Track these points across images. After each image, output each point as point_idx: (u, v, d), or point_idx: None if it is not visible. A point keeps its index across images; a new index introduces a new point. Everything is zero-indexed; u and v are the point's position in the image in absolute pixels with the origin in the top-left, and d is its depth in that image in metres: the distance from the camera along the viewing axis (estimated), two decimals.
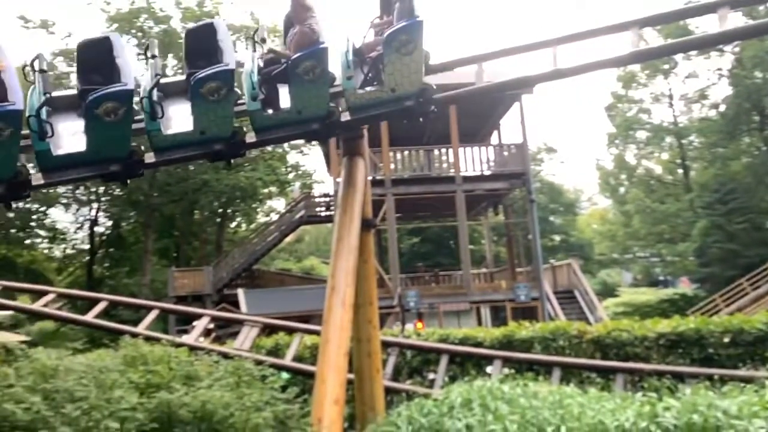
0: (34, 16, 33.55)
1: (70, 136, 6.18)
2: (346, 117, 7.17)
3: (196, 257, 32.01)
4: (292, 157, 33.90)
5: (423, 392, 9.16)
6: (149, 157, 6.52)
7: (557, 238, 44.61)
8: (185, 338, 10.70)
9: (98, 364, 6.78)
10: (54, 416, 5.25)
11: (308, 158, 42.84)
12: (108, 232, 33.39)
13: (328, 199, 28.17)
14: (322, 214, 28.55)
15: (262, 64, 6.73)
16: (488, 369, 10.06)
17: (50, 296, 11.88)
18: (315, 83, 6.61)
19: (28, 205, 29.33)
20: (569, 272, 23.83)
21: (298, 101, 6.70)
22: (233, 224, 36.22)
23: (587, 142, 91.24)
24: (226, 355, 9.01)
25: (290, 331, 11.59)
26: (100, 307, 11.42)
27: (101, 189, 30.22)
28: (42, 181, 6.20)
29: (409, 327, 13.67)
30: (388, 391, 9.18)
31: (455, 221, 22.12)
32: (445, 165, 22.94)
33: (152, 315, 11.40)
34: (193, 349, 8.89)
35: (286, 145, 31.65)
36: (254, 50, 6.95)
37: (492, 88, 9.68)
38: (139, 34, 29.63)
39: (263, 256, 28.02)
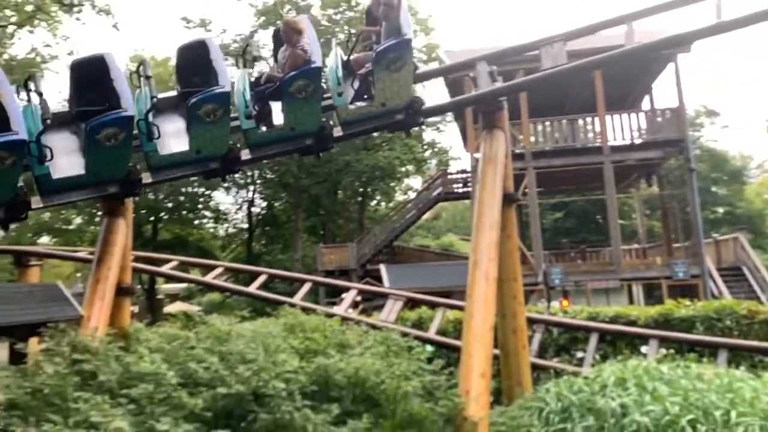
0: (195, 16, 36.84)
1: (68, 159, 6.29)
2: (338, 131, 7.35)
3: (340, 234, 33.60)
4: (429, 135, 34.10)
5: (572, 370, 8.90)
6: (146, 177, 6.73)
7: (720, 210, 40.37)
8: (335, 309, 11.37)
9: (263, 331, 7.44)
10: (229, 375, 5.88)
11: (444, 135, 42.76)
12: (263, 212, 36.16)
13: (465, 175, 28.01)
14: (459, 190, 28.47)
15: (252, 79, 6.96)
16: (643, 349, 9.52)
17: (219, 270, 13.24)
18: (307, 101, 6.76)
19: (194, 189, 32.65)
20: (736, 247, 21.53)
21: (291, 118, 6.86)
22: (374, 203, 37.40)
23: (755, 104, 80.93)
24: (373, 326, 9.45)
25: (433, 305, 11.82)
26: (261, 279, 12.51)
27: (256, 173, 32.74)
28: (41, 204, 6.31)
29: (555, 305, 13.28)
30: (534, 368, 9.06)
31: (602, 194, 20.93)
32: (590, 135, 21.70)
33: (306, 287, 12.25)
34: (344, 319, 9.40)
35: None
36: (245, 66, 7.11)
37: (644, 48, 8.98)
38: None
39: (402, 233, 28.67)
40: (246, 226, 36.17)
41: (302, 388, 5.91)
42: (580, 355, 10.28)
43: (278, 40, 7.35)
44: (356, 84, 7.30)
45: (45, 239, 34.56)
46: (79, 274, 34.54)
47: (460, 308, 10.72)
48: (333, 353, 6.78)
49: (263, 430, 5.51)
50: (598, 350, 9.90)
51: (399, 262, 26.15)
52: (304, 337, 7.41)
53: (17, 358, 7.31)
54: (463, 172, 28.43)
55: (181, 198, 32.73)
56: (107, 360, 6.51)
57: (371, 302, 15.78)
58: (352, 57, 7.37)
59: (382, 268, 22.61)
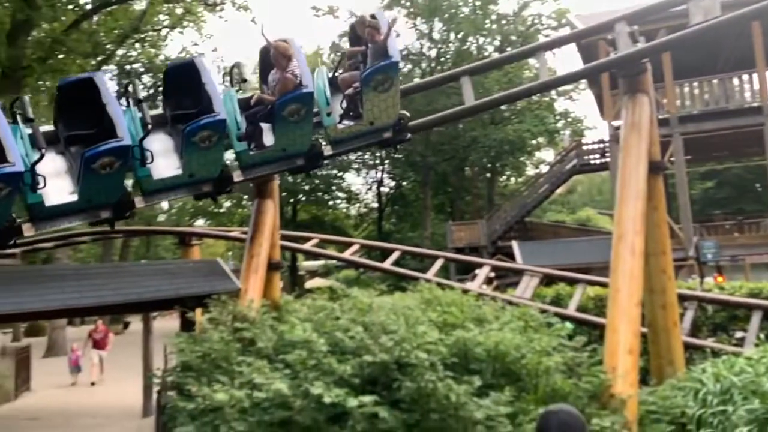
0: (323, 4, 38.14)
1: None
2: (327, 150, 7.50)
3: (469, 211, 33.40)
4: (561, 105, 32.61)
5: (731, 350, 8.20)
6: (138, 201, 6.71)
7: None
8: (469, 285, 11.39)
9: (401, 304, 7.70)
10: (373, 344, 6.16)
11: (578, 104, 40.63)
12: (392, 191, 36.94)
13: (602, 145, 26.47)
14: (596, 162, 26.99)
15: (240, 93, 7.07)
16: None
17: (355, 247, 13.79)
18: (299, 124, 6.87)
19: (327, 171, 34.12)
20: None
21: (282, 140, 6.98)
22: (503, 178, 36.66)
23: None
24: (509, 302, 9.36)
25: (572, 281, 11.43)
26: (394, 256, 12.84)
27: (383, 153, 33.46)
28: (33, 231, 6.30)
29: (708, 281, 12.23)
30: (687, 347, 8.47)
31: (763, 160, 18.75)
32: (747, 94, 19.47)
33: (438, 263, 12.39)
34: (479, 295, 9.41)
35: (553, 92, 30.55)
36: (232, 85, 7.13)
37: None
38: (407, 3, 31.44)
39: (534, 208, 27.84)
40: (376, 205, 37.18)
41: (443, 359, 6.03)
42: (739, 334, 9.42)
43: (265, 60, 7.40)
44: (343, 103, 7.39)
45: (200, 221, 38.12)
46: (230, 253, 37.81)
47: (602, 284, 10.28)
48: (471, 327, 6.83)
49: (407, 397, 5.72)
50: (761, 329, 9.00)
51: (532, 239, 25.47)
52: (441, 311, 7.54)
53: (187, 325, 8.22)
54: (601, 142, 26.87)
55: (317, 181, 34.37)
56: (263, 328, 7.12)
57: (503, 279, 15.59)
58: (339, 77, 7.54)
59: (515, 244, 22.19)
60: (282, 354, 6.44)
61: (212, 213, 37.56)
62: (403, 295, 8.87)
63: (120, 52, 29.76)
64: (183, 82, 6.88)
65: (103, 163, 5.92)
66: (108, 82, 6.69)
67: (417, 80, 28.99)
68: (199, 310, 8.24)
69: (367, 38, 7.28)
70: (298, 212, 35.37)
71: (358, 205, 38.85)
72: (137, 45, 30.74)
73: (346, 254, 13.49)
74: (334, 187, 36.23)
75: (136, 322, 33.40)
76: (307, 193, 34.98)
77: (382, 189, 36.64)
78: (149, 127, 6.19)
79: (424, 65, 32.37)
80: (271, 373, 5.92)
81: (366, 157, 34.20)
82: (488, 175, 34.08)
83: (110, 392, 14.56)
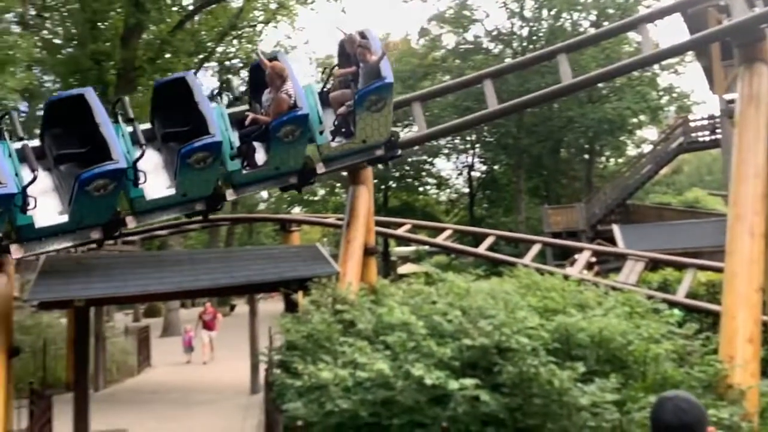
0: None
1: (53, 208, 6.31)
2: (320, 167, 7.47)
3: (565, 194, 32.27)
4: (664, 79, 30.58)
5: None
6: (130, 220, 6.60)
7: None
8: (569, 270, 11.07)
9: (498, 289, 7.63)
10: (472, 328, 6.18)
11: (683, 78, 37.93)
12: (483, 175, 36.41)
13: (712, 121, 24.60)
14: (705, 139, 25.13)
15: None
16: None
17: (448, 232, 13.80)
18: (293, 144, 6.86)
19: (416, 157, 34.17)
20: None
21: (276, 159, 6.95)
22: (602, 159, 35.05)
23: None
24: (613, 288, 9.01)
25: (680, 266, 10.80)
26: (489, 241, 12.71)
27: (474, 137, 33.00)
28: (21, 254, 6.27)
29: None
30: None
31: None
32: None
33: (535, 248, 12.13)
34: (580, 280, 9.12)
35: (656, 67, 28.70)
36: (219, 102, 7.23)
37: None
38: None
39: (637, 190, 26.41)
40: (467, 190, 36.82)
41: (544, 344, 5.94)
42: None
43: (256, 77, 7.36)
44: (335, 120, 7.50)
45: (297, 209, 39.55)
46: (325, 239, 38.96)
47: (715, 269, 9.64)
48: (574, 312, 6.66)
49: (508, 382, 5.69)
50: None
51: (634, 222, 24.20)
52: (541, 297, 7.40)
53: (291, 307, 8.61)
54: (710, 118, 24.98)
55: (407, 167, 34.53)
56: (362, 311, 7.32)
57: (605, 264, 14.98)
58: (330, 95, 7.57)
59: (616, 228, 21.19)
60: (381, 336, 6.59)
61: (307, 201, 38.83)
62: (499, 280, 8.77)
63: (219, 49, 31.28)
64: (173, 99, 6.81)
65: (98, 186, 5.94)
66: (98, 101, 6.51)
67: (508, 61, 28.31)
68: (300, 293, 8.60)
69: (358, 58, 7.35)
70: (388, 199, 35.76)
71: (448, 190, 38.66)
72: (235, 41, 32.17)
73: (439, 239, 13.52)
74: (424, 173, 36.25)
75: (241, 306, 35.36)
76: (397, 179, 35.25)
77: (473, 173, 36.21)
78: (144, 147, 6.14)
79: (515, 45, 31.48)
80: (373, 354, 6.09)
81: (456, 141, 33.91)
82: (586, 156, 32.70)
83: (220, 370, 15.56)
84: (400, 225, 14.57)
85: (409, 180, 35.99)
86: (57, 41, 24.05)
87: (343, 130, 7.55)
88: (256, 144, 7.14)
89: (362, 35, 7.77)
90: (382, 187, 34.87)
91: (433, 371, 5.66)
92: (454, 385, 5.46)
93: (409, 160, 34.12)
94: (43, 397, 7.76)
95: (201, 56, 28.08)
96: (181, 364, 17.27)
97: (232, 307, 35.31)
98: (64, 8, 23.72)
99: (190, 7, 25.29)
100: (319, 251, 9.61)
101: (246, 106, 7.60)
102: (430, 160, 35.53)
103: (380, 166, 31.21)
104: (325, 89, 7.86)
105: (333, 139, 7.44)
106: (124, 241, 13.49)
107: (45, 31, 23.96)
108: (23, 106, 19.81)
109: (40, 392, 7.97)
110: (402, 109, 13.27)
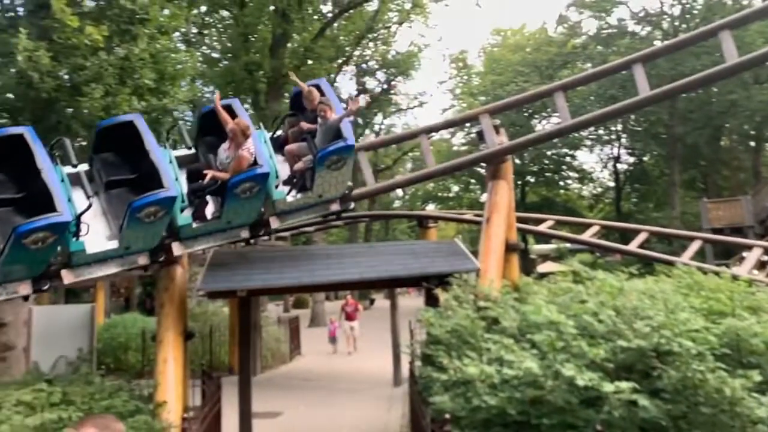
0: None
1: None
2: (274, 221, 7.22)
3: (728, 187, 29.24)
4: None
5: None
6: (65, 274, 6.04)
7: None
8: (736, 270, 10.02)
9: (656, 288, 7.11)
10: (627, 329, 5.82)
11: None
12: (631, 168, 34.09)
13: None
14: None
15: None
16: None
17: (594, 228, 13.10)
18: (250, 200, 6.64)
19: (556, 150, 32.85)
20: None
21: (230, 214, 6.69)
22: None
23: None
24: None
25: None
26: (641, 238, 11.90)
27: (620, 126, 31.02)
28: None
29: None
30: None
31: None
32: None
33: (695, 246, 11.15)
34: (751, 281, 8.22)
35: None
36: (166, 146, 6.69)
37: None
38: None
39: None
40: (612, 184, 34.71)
41: (710, 349, 5.44)
42: None
43: (208, 122, 7.07)
44: (291, 174, 7.31)
45: (431, 206, 39.92)
46: (460, 235, 38.90)
47: None
48: (745, 316, 6.02)
49: (669, 387, 5.29)
50: None
51: None
52: (705, 298, 6.78)
53: (432, 302, 8.72)
54: None
55: (546, 161, 33.38)
56: (506, 308, 7.21)
57: None
58: (286, 147, 7.42)
59: None
60: (527, 334, 6.45)
61: (442, 198, 39.03)
62: (655, 279, 8.17)
63: (356, 53, 32.47)
64: (119, 142, 6.50)
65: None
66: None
67: (657, 43, 26.22)
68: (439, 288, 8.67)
69: (318, 113, 7.26)
70: (527, 194, 34.80)
71: (591, 184, 36.74)
72: (371, 44, 33.17)
73: (585, 236, 12.90)
74: (564, 167, 34.78)
75: (380, 300, 36.50)
76: (535, 174, 34.20)
77: (619, 166, 34.06)
78: (90, 200, 5.72)
79: (665, 25, 29.06)
80: (520, 352, 5.98)
81: (600, 132, 32.12)
82: (752, 143, 29.36)
83: (363, 361, 16.19)
84: (541, 221, 14.10)
85: (549, 174, 34.75)
86: (215, 55, 26.46)
87: (300, 184, 7.45)
88: (207, 197, 6.97)
89: (318, 89, 7.72)
90: (519, 182, 34.04)
91: (584, 372, 5.43)
92: (608, 387, 5.19)
93: (549, 153, 32.94)
94: (212, 378, 8.59)
95: (340, 61, 29.37)
96: (327, 353, 18.22)
97: (372, 301, 36.55)
98: (220, 24, 26.03)
99: (330, 15, 26.52)
100: (458, 247, 9.62)
101: (188, 150, 7.27)
102: (571, 153, 34.03)
103: (517, 160, 30.62)
104: (274, 135, 7.76)
105: (288, 193, 7.30)
106: (277, 237, 14.51)
107: (204, 47, 26.48)
108: (188, 115, 22.03)
109: (209, 374, 8.84)
110: (542, 100, 12.85)
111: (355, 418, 10.24)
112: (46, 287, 5.88)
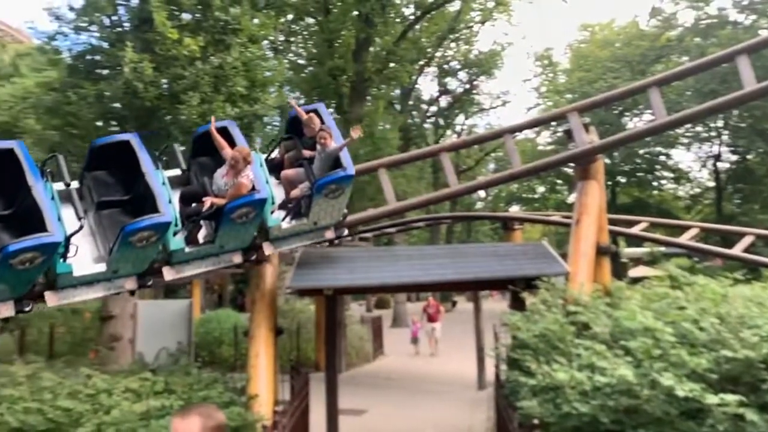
0: None
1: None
2: (267, 247, 7.11)
3: None
4: None
5: None
6: (49, 296, 5.75)
7: None
8: None
9: (763, 295, 6.62)
10: (733, 338, 5.45)
11: None
12: (733, 166, 31.80)
13: None
14: None
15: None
16: None
17: (693, 231, 12.35)
18: (245, 225, 6.54)
19: (649, 149, 31.19)
20: None
21: (224, 239, 6.57)
22: None
23: None
24: None
25: None
26: (746, 241, 11.10)
27: (720, 123, 29.02)
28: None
29: None
30: None
31: None
32: None
33: None
34: None
35: None
36: (159, 167, 6.44)
37: None
38: None
39: None
40: (712, 184, 32.52)
41: None
42: None
43: (204, 143, 6.85)
44: (287, 200, 7.23)
45: (515, 208, 39.12)
46: (545, 238, 37.89)
47: None
48: None
49: None
50: None
51: None
52: None
53: (518, 305, 8.54)
54: None
55: (638, 160, 31.81)
56: (598, 313, 6.95)
57: None
58: (282, 173, 7.34)
59: None
60: (620, 341, 6.18)
61: (526, 199, 38.13)
62: (763, 285, 7.58)
63: (438, 54, 32.37)
64: (112, 161, 6.31)
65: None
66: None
67: (763, 32, 24.33)
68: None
69: (318, 140, 7.10)
70: (617, 195, 33.29)
71: (688, 184, 34.58)
72: (452, 45, 32.99)
73: (682, 239, 12.18)
74: (658, 166, 32.95)
75: (461, 303, 36.21)
76: (627, 174, 32.63)
77: (719, 164, 31.82)
78: (82, 222, 5.47)
79: None
80: (613, 359, 5.75)
81: (698, 129, 30.18)
82: None
83: (446, 363, 16.12)
84: (634, 223, 13.45)
85: (642, 174, 33.03)
86: (300, 62, 27.27)
87: (295, 211, 7.31)
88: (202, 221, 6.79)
89: (317, 114, 7.59)
90: (610, 183, 32.63)
91: (685, 382, 5.13)
92: (712, 399, 4.88)
93: (641, 152, 31.35)
94: (300, 374, 8.86)
95: (421, 62, 29.39)
96: (409, 354, 18.30)
97: (454, 303, 36.34)
98: (306, 31, 26.79)
99: (412, 17, 26.62)
100: (546, 249, 9.38)
101: (179, 171, 7.07)
102: (665, 151, 32.21)
103: (607, 160, 29.31)
104: (269, 158, 7.66)
105: (283, 219, 7.17)
106: (361, 238, 14.76)
107: (290, 54, 27.35)
108: (276, 121, 22.82)
109: (297, 369, 9.12)
110: (632, 97, 12.23)
111: (438, 419, 10.22)
112: (28, 309, 5.63)
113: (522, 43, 49.03)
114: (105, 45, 13.15)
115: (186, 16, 13.19)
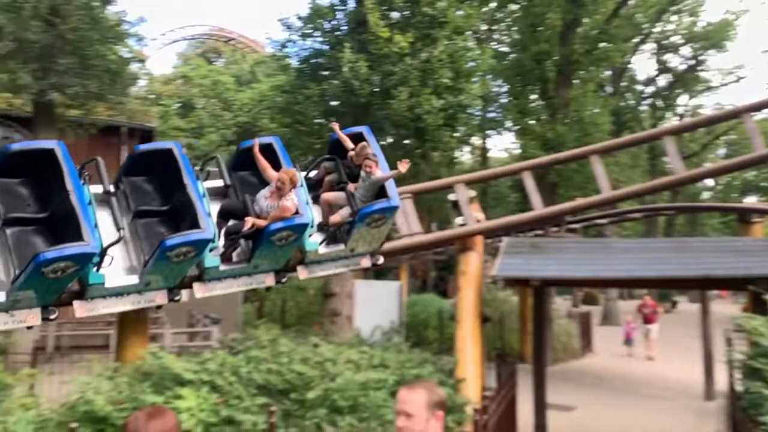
0: None
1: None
2: (302, 271, 6.94)
3: None
4: None
5: None
6: (77, 306, 5.54)
7: None
8: None
9: None
10: None
11: None
12: None
13: None
14: None
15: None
16: None
17: None
18: (283, 248, 6.39)
19: None
20: None
21: (261, 260, 6.45)
22: None
23: None
24: None
25: None
26: None
27: None
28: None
29: None
30: None
31: None
32: None
33: None
34: None
35: None
36: (200, 178, 6.11)
37: None
38: None
39: None
40: None
41: None
42: None
43: (245, 158, 6.63)
44: (326, 224, 6.94)
45: (751, 198, 34.07)
46: None
47: None
48: None
49: None
50: None
51: None
52: None
53: (759, 307, 7.42)
54: None
55: None
56: None
57: None
58: (323, 195, 7.06)
59: None
60: None
61: (764, 188, 32.94)
62: None
63: (656, 29, 29.48)
64: (152, 169, 6.07)
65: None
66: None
67: None
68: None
69: (364, 168, 6.81)
70: None
71: None
72: (673, 18, 29.80)
73: None
74: None
75: (683, 303, 32.66)
76: None
77: None
78: (121, 233, 5.22)
79: None
80: None
81: None
82: None
83: (665, 368, 14.67)
84: None
85: None
86: (503, 49, 26.89)
87: (332, 236, 6.95)
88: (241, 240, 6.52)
89: (362, 137, 7.16)
90: None
91: None
92: None
93: None
94: (507, 363, 8.82)
95: (636, 40, 27.02)
96: (621, 355, 17.06)
97: (674, 303, 32.87)
98: (509, 18, 26.34)
99: None
100: None
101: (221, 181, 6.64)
102: None
103: None
104: (308, 176, 7.20)
105: (320, 244, 6.80)
106: (568, 229, 14.12)
107: (493, 42, 27.11)
108: (477, 111, 22.80)
109: (504, 358, 9.09)
110: None
111: (657, 427, 9.39)
112: (53, 316, 5.46)
113: (761, 8, 41.95)
114: (326, 48, 14.44)
115: (395, 15, 13.89)
